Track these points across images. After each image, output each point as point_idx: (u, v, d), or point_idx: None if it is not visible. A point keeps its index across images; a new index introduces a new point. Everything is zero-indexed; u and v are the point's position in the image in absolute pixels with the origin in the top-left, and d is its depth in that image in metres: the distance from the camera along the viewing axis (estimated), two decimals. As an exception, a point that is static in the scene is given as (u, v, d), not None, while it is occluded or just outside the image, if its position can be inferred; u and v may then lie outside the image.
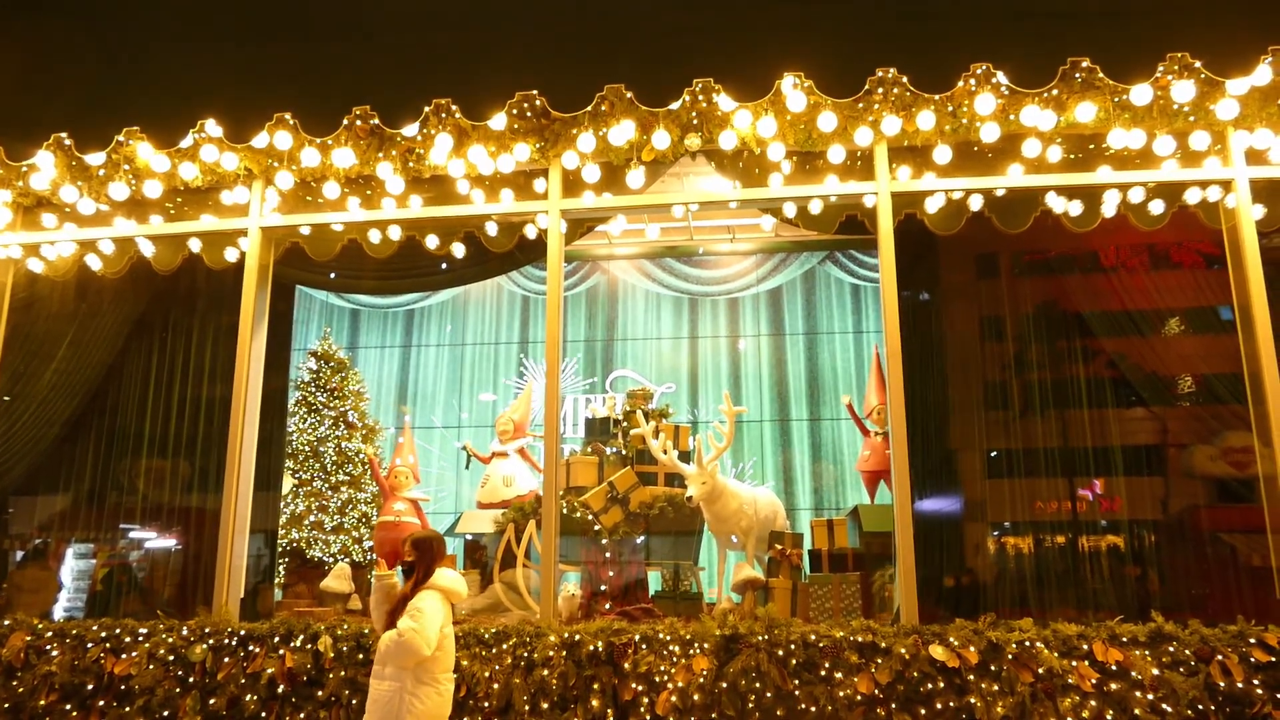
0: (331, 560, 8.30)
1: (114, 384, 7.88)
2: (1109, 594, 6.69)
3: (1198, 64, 5.68)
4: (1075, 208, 6.61)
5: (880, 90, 6.04)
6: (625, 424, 8.09)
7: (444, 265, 7.81)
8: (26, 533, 7.97)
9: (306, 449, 8.67)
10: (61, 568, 7.98)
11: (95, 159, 6.90)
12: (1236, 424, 6.66)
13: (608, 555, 7.12)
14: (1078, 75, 5.93)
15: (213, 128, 6.48)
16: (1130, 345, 7.14)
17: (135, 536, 7.87)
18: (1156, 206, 6.50)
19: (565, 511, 7.04)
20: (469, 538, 8.14)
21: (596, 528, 7.17)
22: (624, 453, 8.01)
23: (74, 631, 6.30)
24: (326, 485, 8.60)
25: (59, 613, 7.74)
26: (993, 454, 7.29)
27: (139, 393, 7.82)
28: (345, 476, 8.68)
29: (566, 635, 5.68)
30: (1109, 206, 6.56)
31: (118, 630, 6.24)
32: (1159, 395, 7.12)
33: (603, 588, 6.98)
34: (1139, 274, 7.21)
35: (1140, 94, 5.89)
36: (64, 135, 6.79)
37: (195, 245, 7.28)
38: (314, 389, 8.91)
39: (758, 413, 10.90)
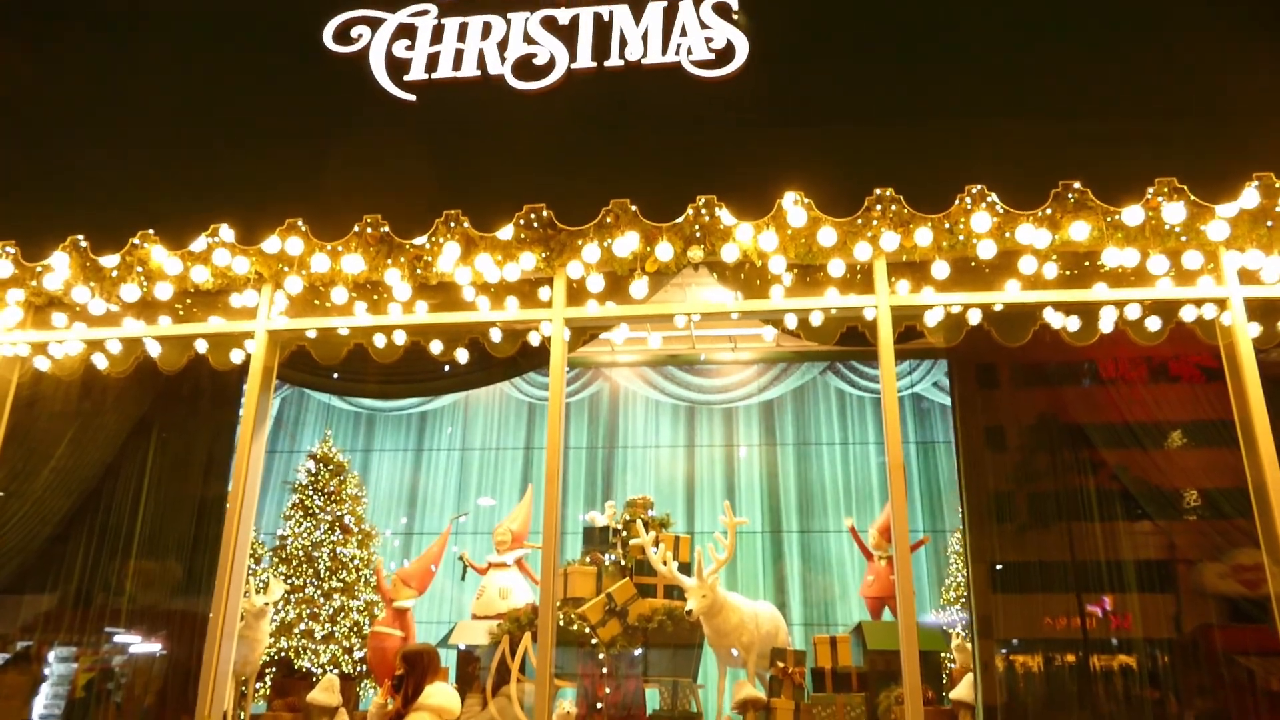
0: (320, 671, 8.05)
1: (110, 483, 7.82)
2: (1123, 717, 6.46)
3: (1186, 187, 5.82)
4: (1073, 323, 6.69)
5: (879, 207, 6.19)
6: (624, 533, 7.98)
7: (446, 367, 7.87)
8: (9, 634, 7.77)
9: (300, 554, 8.54)
10: (43, 671, 7.74)
11: (109, 260, 7.00)
12: (1242, 540, 6.56)
13: (604, 670, 6.91)
14: (1070, 196, 6.07)
15: (226, 232, 6.60)
16: (1132, 457, 7.11)
17: (120, 641, 7.67)
18: (1153, 323, 6.58)
19: (562, 623, 6.87)
20: (463, 648, 7.92)
21: (594, 641, 6.99)
22: (623, 563, 7.87)
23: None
24: (319, 592, 8.42)
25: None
26: (998, 567, 7.17)
27: (133, 491, 7.75)
28: (339, 583, 8.51)
29: (560, 756, 5.46)
30: (1106, 322, 6.63)
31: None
32: (1164, 509, 7.04)
33: (599, 705, 6.75)
34: (1138, 386, 7.24)
35: (1132, 215, 6.03)
36: (80, 237, 6.87)
37: (202, 346, 7.34)
38: (311, 492, 8.83)
39: (754, 524, 10.76)
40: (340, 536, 8.70)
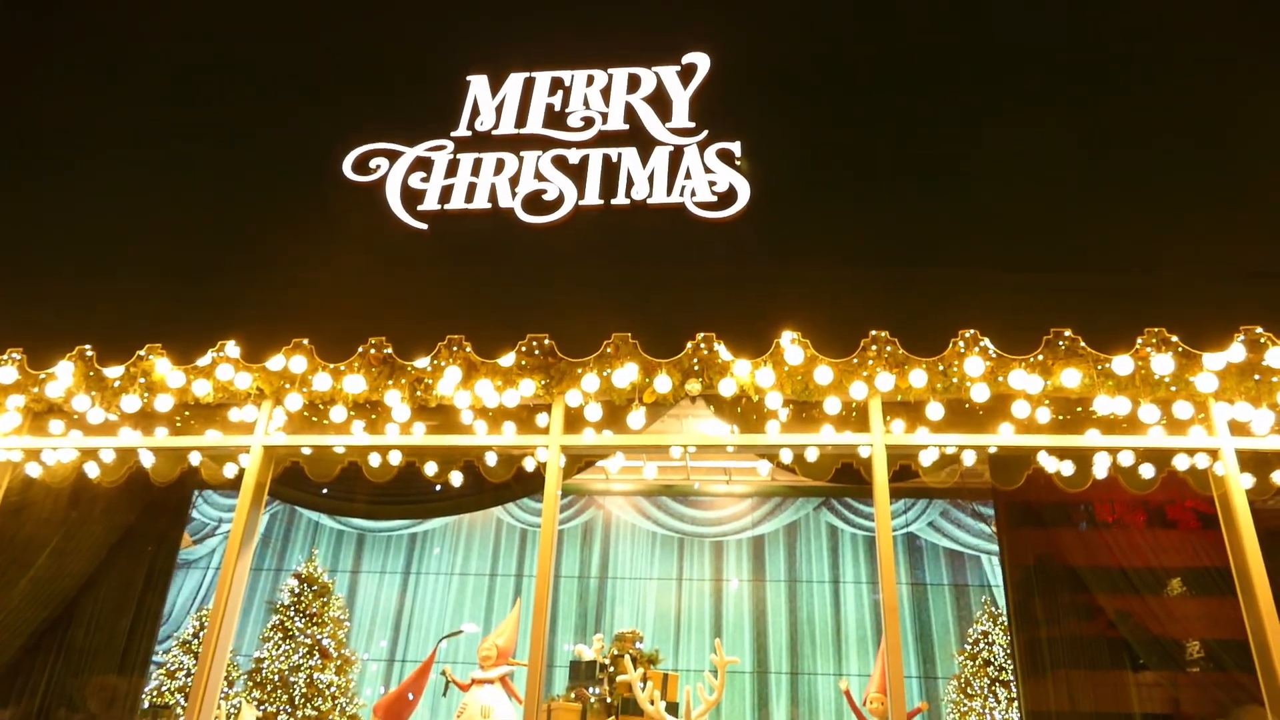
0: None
1: (87, 595, 7.64)
2: None
3: (1174, 338, 5.95)
4: (1067, 468, 6.72)
5: (874, 349, 6.31)
6: (612, 668, 7.74)
7: (438, 488, 7.83)
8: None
9: (276, 678, 8.24)
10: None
11: (113, 371, 7.05)
12: (1243, 696, 6.38)
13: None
14: (1061, 343, 6.21)
15: (232, 348, 6.69)
16: (1130, 604, 7.00)
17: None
18: (1147, 470, 6.62)
19: (543, 763, 6.59)
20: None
21: (575, 784, 6.69)
22: (609, 700, 7.60)
23: None
24: (291, 721, 8.11)
25: None
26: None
27: (99, 605, 7.58)
28: (313, 711, 8.19)
29: None
30: (1100, 469, 6.67)
31: None
32: (1166, 660, 6.88)
33: None
34: (1134, 532, 7.20)
35: (1121, 364, 6.14)
36: (87, 347, 6.93)
37: (195, 459, 7.32)
38: (293, 613, 8.61)
39: (740, 663, 10.44)
40: (319, 661, 8.42)
